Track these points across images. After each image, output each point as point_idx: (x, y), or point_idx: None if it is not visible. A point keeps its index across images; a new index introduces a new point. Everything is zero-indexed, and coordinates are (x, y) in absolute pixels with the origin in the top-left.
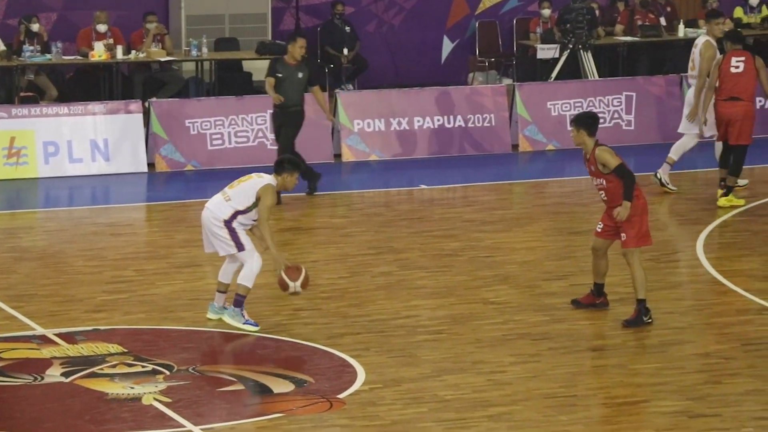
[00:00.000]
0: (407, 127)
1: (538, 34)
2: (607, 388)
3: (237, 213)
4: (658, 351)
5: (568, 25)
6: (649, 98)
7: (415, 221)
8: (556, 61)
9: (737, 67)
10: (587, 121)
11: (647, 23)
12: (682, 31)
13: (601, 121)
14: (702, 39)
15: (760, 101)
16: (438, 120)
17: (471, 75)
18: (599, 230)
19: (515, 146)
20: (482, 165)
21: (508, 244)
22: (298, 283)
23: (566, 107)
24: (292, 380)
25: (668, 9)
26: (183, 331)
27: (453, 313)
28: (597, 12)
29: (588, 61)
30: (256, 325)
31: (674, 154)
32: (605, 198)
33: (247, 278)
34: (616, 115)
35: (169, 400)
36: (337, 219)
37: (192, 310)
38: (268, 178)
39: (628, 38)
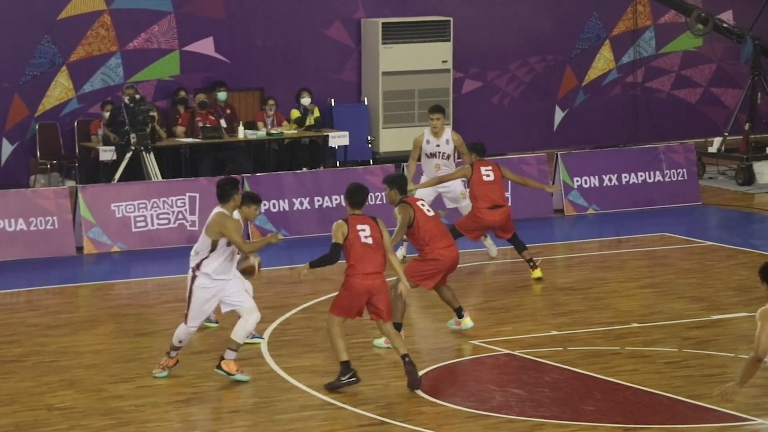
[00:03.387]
0: None
1: (100, 136)
2: None
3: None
4: None
5: (127, 127)
6: (211, 199)
7: None
8: (118, 162)
9: (488, 175)
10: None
11: (208, 125)
12: (242, 132)
13: (165, 222)
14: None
15: None
16: None
17: (33, 177)
18: None
19: (80, 248)
20: (46, 268)
21: (74, 348)
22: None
23: (130, 209)
24: None
25: (228, 111)
26: None
27: (16, 421)
28: (156, 114)
29: (151, 162)
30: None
31: None
32: None
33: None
34: (180, 216)
35: None
36: None
37: None
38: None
39: (190, 140)
